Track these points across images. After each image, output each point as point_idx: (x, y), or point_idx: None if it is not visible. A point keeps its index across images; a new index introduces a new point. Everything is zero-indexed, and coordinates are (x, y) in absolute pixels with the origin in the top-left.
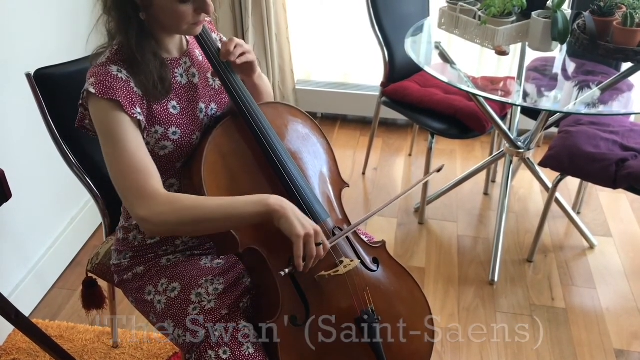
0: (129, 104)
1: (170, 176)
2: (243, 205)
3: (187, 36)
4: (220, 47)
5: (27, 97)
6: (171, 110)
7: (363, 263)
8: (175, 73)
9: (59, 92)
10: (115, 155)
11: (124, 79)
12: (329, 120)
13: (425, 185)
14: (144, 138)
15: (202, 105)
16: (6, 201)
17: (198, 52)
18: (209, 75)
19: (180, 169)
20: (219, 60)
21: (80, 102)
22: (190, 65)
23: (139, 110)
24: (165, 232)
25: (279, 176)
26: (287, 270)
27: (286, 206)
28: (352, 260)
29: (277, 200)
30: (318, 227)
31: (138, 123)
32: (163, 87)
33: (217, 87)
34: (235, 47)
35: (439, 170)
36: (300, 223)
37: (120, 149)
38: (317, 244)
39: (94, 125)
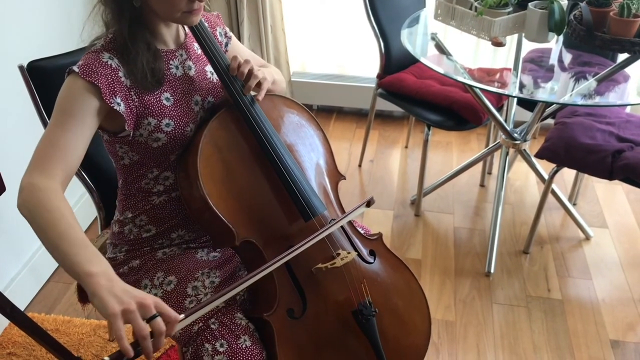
0: (108, 92)
1: (165, 169)
2: (77, 252)
3: (185, 27)
4: (221, 43)
5: (20, 90)
6: (164, 101)
7: (360, 255)
8: (170, 65)
9: (52, 84)
10: (57, 125)
11: (114, 66)
12: (325, 112)
13: (422, 177)
14: (137, 131)
15: (198, 98)
16: (0, 195)
17: (196, 46)
18: (207, 68)
19: (174, 162)
20: (216, 56)
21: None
22: (186, 58)
23: (119, 100)
24: (22, 212)
25: (275, 168)
26: (106, 359)
27: (104, 283)
28: (349, 253)
29: (102, 276)
30: (149, 299)
31: (111, 112)
32: (153, 78)
33: (215, 80)
34: (239, 66)
35: (368, 205)
36: (117, 298)
37: (65, 123)
38: (151, 318)
39: (58, 96)
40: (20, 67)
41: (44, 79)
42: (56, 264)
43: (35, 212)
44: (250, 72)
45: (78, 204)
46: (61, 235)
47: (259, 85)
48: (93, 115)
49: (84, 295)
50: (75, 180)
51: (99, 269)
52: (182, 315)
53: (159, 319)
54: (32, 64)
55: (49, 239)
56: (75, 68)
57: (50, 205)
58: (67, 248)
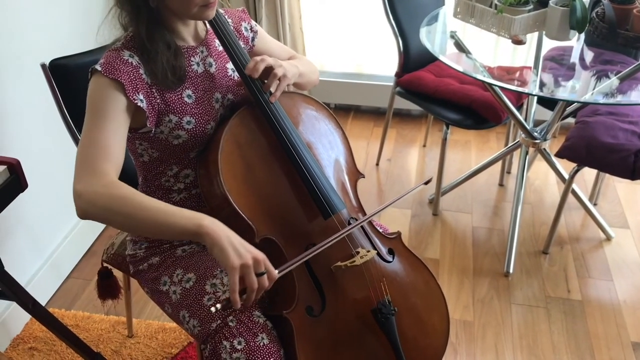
0: (132, 89)
1: (185, 166)
2: (176, 216)
3: (203, 21)
4: (247, 38)
5: (42, 88)
6: (186, 99)
7: (379, 254)
8: (192, 61)
9: (73, 82)
10: (91, 126)
11: (135, 64)
12: (343, 110)
13: (440, 176)
14: (157, 128)
15: (219, 95)
16: (22, 191)
17: (217, 42)
18: (228, 65)
19: (194, 159)
20: (236, 52)
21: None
22: (207, 55)
23: (141, 97)
24: (94, 215)
25: (295, 166)
26: (218, 306)
27: (220, 232)
28: (368, 251)
29: (212, 224)
30: (260, 255)
31: (136, 109)
32: (174, 76)
33: (236, 77)
34: (255, 64)
35: (426, 183)
36: (236, 252)
37: (99, 122)
38: (260, 274)
39: (87, 98)
40: (43, 66)
41: (66, 77)
42: (76, 260)
43: (113, 205)
44: (269, 70)
45: None
46: (155, 210)
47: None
48: (123, 111)
49: (103, 292)
50: None
51: (209, 220)
52: (277, 271)
53: (265, 276)
54: (54, 62)
55: (142, 219)
56: (98, 67)
57: (125, 192)
58: (167, 218)
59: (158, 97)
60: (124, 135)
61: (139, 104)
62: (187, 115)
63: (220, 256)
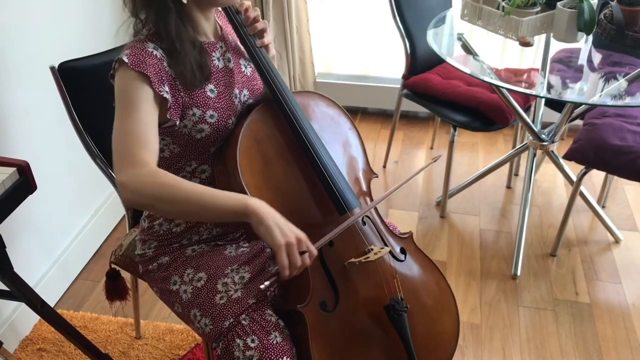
0: (157, 81)
1: (203, 162)
2: (222, 198)
3: (218, 20)
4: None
5: (51, 90)
6: (208, 93)
7: (391, 252)
8: (213, 57)
9: (82, 85)
10: (123, 118)
11: (159, 56)
12: (350, 112)
13: (447, 178)
14: (181, 122)
15: (236, 91)
16: (31, 193)
17: (231, 38)
18: (241, 61)
19: (213, 155)
20: (252, 42)
21: (111, 72)
22: (225, 50)
23: (167, 89)
24: (140, 203)
25: (311, 162)
26: (267, 283)
27: (265, 212)
28: (382, 248)
29: (257, 203)
30: (302, 234)
31: (162, 100)
32: (202, 75)
33: (249, 73)
34: (247, 10)
35: (435, 160)
36: (281, 231)
37: (130, 113)
38: (302, 252)
39: (115, 91)
40: (52, 68)
41: (75, 80)
42: (85, 262)
43: (160, 192)
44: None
45: (106, 203)
46: (202, 194)
47: (263, 32)
48: (152, 101)
49: (111, 293)
50: (103, 179)
51: (253, 200)
52: (315, 249)
53: (307, 255)
54: (63, 65)
55: (190, 203)
56: (125, 58)
57: (171, 180)
58: (214, 200)
59: (182, 90)
60: (155, 124)
61: (164, 96)
62: (210, 109)
63: (267, 234)
